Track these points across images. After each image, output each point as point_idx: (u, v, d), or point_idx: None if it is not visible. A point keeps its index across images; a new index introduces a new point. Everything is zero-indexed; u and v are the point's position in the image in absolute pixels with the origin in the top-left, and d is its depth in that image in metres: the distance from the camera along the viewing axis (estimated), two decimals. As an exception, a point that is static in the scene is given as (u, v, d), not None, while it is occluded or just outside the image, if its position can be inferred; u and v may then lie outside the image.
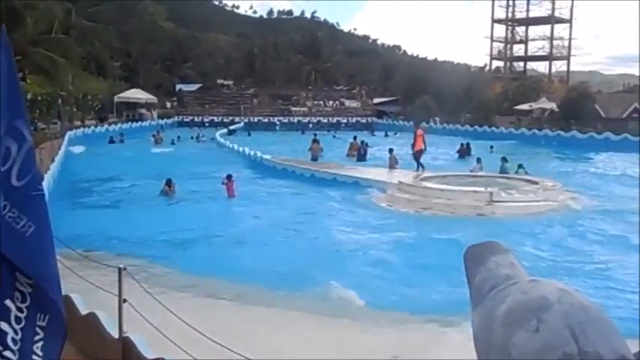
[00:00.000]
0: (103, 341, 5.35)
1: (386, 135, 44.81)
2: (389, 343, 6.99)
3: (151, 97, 57.08)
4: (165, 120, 53.96)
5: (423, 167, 21.39)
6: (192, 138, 41.11)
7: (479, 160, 23.34)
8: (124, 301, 5.36)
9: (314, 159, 26.23)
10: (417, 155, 21.66)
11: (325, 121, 57.67)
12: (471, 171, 22.09)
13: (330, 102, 63.92)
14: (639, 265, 9.46)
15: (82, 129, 39.41)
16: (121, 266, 5.53)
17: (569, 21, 72.59)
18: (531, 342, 0.60)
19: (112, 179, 21.04)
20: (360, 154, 28.43)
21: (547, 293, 0.64)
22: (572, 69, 76.70)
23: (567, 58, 73.87)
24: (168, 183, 18.07)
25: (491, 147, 32.67)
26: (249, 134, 45.00)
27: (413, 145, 22.17)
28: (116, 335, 5.24)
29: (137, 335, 5.08)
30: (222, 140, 36.42)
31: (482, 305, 0.69)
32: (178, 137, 39.36)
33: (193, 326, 4.95)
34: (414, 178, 18.78)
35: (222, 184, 17.75)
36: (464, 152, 31.37)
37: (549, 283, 0.67)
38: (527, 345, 0.60)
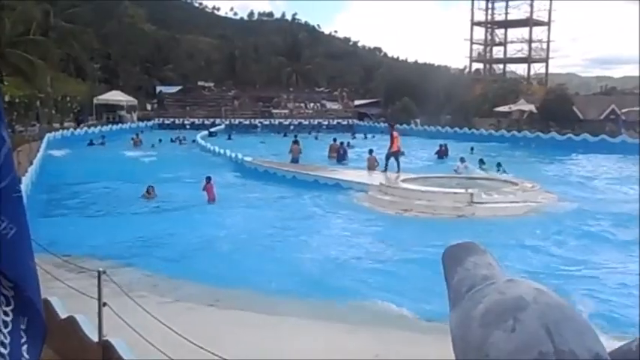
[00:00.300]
0: (83, 345, 5.30)
1: (365, 137, 44.88)
2: (369, 343, 7.01)
3: (131, 99, 56.76)
4: (145, 122, 53.68)
5: (398, 168, 21.58)
6: (171, 140, 40.88)
7: (462, 159, 23.49)
8: (104, 304, 5.33)
9: (294, 160, 26.25)
10: (394, 156, 21.82)
11: (306, 123, 57.70)
12: (455, 170, 22.22)
13: (311, 104, 63.98)
14: (639, 266, 9.54)
15: (60, 131, 39.01)
16: (100, 269, 5.49)
17: (548, 24, 73.44)
18: (508, 341, 0.61)
19: (91, 183, 20.84)
20: (340, 155, 28.57)
21: (523, 293, 0.64)
22: (550, 71, 77.62)
23: (546, 60, 74.70)
24: (149, 188, 17.90)
25: (472, 149, 32.91)
26: (230, 137, 44.68)
27: (389, 147, 22.27)
28: (96, 339, 5.20)
29: (117, 339, 5.05)
30: (203, 143, 36.28)
31: (460, 305, 0.69)
32: (160, 140, 39.14)
33: (173, 329, 4.93)
34: (395, 180, 18.89)
35: (203, 189, 17.57)
36: (442, 153, 31.63)
37: (525, 282, 0.67)
38: (504, 344, 0.61)
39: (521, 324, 0.61)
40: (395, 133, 22.44)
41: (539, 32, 74.32)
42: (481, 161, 22.62)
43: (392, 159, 21.53)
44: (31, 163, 19.49)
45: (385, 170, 21.38)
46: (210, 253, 11.72)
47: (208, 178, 17.75)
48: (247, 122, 57.71)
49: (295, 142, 28.53)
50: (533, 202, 16.19)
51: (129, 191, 18.87)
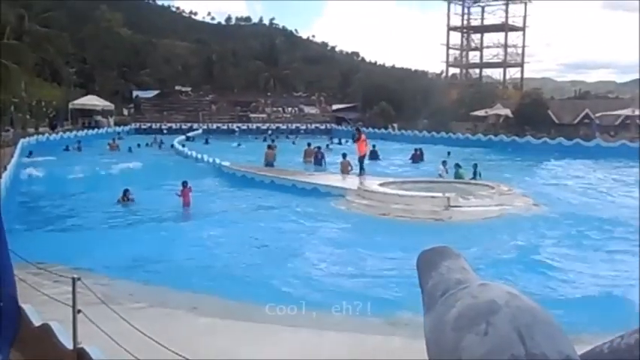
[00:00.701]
0: (57, 353, 5.24)
1: (339, 142, 44.76)
2: (343, 348, 7.02)
3: (108, 103, 56.30)
4: (122, 127, 53.29)
5: (364, 171, 21.84)
6: (147, 145, 40.68)
7: (445, 162, 23.60)
8: (79, 311, 5.28)
9: (268, 164, 26.32)
10: (361, 160, 22.11)
11: (284, 127, 57.74)
12: (440, 174, 22.44)
13: (289, 108, 64.03)
14: (639, 266, 9.63)
15: (35, 136, 38.55)
16: (75, 276, 5.44)
17: (523, 29, 74.29)
18: (480, 345, 0.61)
19: (66, 188, 20.63)
20: (317, 159, 28.69)
21: (495, 297, 0.65)
22: (525, 76, 78.62)
23: (521, 65, 75.58)
24: (125, 192, 17.83)
25: (449, 153, 33.13)
26: (207, 141, 44.49)
27: (357, 151, 22.58)
28: (71, 346, 5.15)
29: (92, 346, 5.01)
30: (180, 147, 36.12)
31: (434, 309, 0.70)
32: (138, 145, 38.92)
33: (149, 335, 4.90)
34: (363, 184, 19.05)
35: (179, 194, 17.45)
36: (417, 158, 31.79)
37: (498, 286, 0.68)
38: (477, 348, 0.61)
39: (494, 327, 0.62)
40: (363, 137, 22.72)
41: (514, 37, 75.25)
42: (457, 165, 22.84)
43: (368, 160, 21.77)
44: (5, 169, 19.22)
45: (361, 174, 21.55)
46: (186, 260, 11.65)
47: (185, 183, 17.67)
48: (225, 127, 57.61)
49: (270, 147, 28.60)
50: (509, 206, 16.34)
51: (105, 197, 18.68)
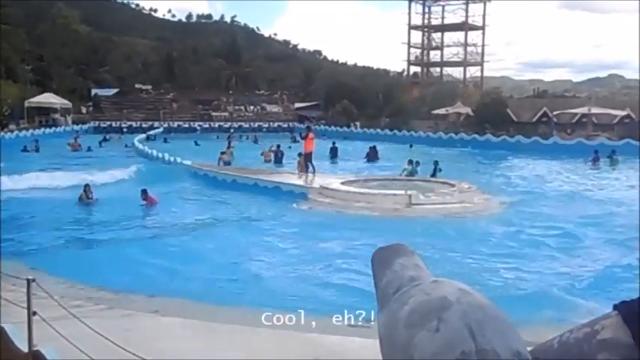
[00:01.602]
0: (12, 356, 5.12)
1: (295, 140, 44.58)
2: (308, 347, 7.01)
3: (65, 102, 55.24)
4: (80, 126, 52.34)
5: (313, 169, 22.26)
6: (100, 142, 40.68)
7: (410, 161, 23.67)
8: (34, 313, 5.16)
9: (226, 163, 26.35)
10: (308, 157, 22.48)
11: (247, 126, 57.43)
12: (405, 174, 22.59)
13: (252, 107, 63.73)
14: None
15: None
16: (30, 277, 5.32)
17: (482, 28, 75.32)
18: (432, 342, 0.62)
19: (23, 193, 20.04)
20: (277, 157, 28.81)
21: (447, 293, 0.65)
22: (485, 74, 79.73)
23: (481, 63, 76.64)
24: (85, 188, 17.48)
25: (411, 145, 33.90)
26: (166, 140, 43.79)
27: (304, 148, 23.06)
28: (26, 349, 5.03)
29: (48, 348, 4.90)
30: (141, 146, 35.63)
31: (387, 307, 0.70)
32: (100, 143, 38.34)
33: (107, 337, 4.82)
34: (310, 181, 19.64)
35: (143, 199, 17.09)
36: (372, 156, 32.00)
37: (450, 283, 0.68)
38: (428, 345, 0.62)
39: (445, 324, 0.63)
40: (310, 135, 23.02)
41: (474, 36, 76.26)
42: (410, 162, 23.25)
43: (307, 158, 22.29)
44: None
45: (312, 171, 22.00)
46: (149, 261, 11.47)
47: (144, 191, 17.14)
48: (186, 125, 57.05)
49: (223, 152, 28.70)
50: (469, 203, 16.56)
51: (65, 196, 18.27)
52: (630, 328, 0.72)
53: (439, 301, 0.65)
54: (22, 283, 5.64)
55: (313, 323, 7.76)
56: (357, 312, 7.64)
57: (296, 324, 7.61)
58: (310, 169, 22.13)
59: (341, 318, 7.67)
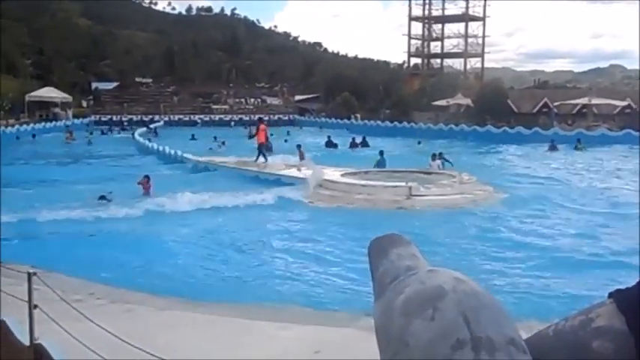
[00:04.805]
0: (14, 349, 5.16)
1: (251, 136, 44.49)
2: (308, 341, 7.05)
3: (66, 95, 55.26)
4: (81, 119, 52.40)
5: (265, 158, 22.95)
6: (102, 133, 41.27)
7: (434, 155, 22.54)
8: (35, 307, 5.19)
9: None
10: (260, 147, 23.30)
11: (247, 118, 57.42)
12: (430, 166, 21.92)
13: (252, 99, 63.73)
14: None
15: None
16: (31, 271, 5.35)
17: (483, 19, 75.13)
18: (427, 330, 0.63)
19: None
20: (267, 148, 29.41)
21: (442, 282, 0.66)
22: (486, 65, 79.53)
23: (481, 55, 76.45)
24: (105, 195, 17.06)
25: (419, 142, 34.02)
26: (156, 132, 43.91)
27: (257, 138, 23.83)
28: (27, 342, 5.06)
29: (50, 341, 4.93)
30: (141, 140, 35.74)
31: (384, 296, 0.70)
32: (102, 131, 38.43)
33: (108, 329, 4.85)
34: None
35: (138, 183, 17.26)
36: (355, 147, 32.42)
37: (446, 272, 0.69)
38: (423, 333, 0.63)
39: (440, 312, 0.63)
40: (262, 126, 24.06)
41: (474, 27, 76.05)
42: (381, 152, 23.38)
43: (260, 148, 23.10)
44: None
45: (265, 161, 22.71)
46: (148, 256, 11.45)
47: (147, 177, 17.42)
48: (187, 118, 57.05)
49: (221, 143, 28.88)
50: (470, 195, 16.57)
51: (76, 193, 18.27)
52: (625, 315, 0.73)
53: (434, 290, 0.65)
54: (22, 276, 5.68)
55: (314, 316, 7.81)
56: (357, 304, 7.69)
57: (297, 317, 7.66)
58: (262, 159, 22.88)
59: (341, 311, 7.72)
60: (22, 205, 15.03)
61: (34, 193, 18.08)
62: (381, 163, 22.37)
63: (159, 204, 15.58)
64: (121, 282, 9.44)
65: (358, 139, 33.52)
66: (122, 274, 9.91)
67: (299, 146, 25.07)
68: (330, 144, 32.99)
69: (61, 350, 4.92)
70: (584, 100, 44.76)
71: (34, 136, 36.28)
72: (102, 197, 16.52)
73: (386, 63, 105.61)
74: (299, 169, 20.15)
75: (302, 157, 23.45)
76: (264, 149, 23.49)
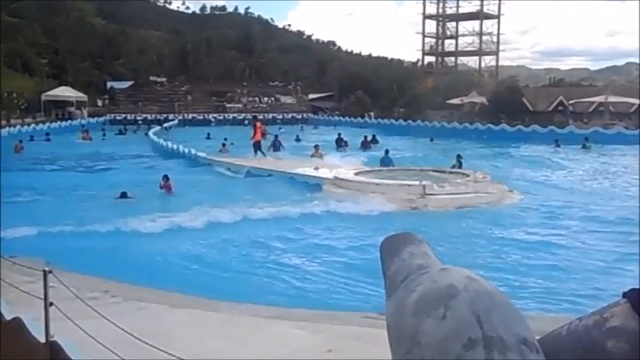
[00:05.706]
0: (29, 346, 5.19)
1: (301, 129, 46.22)
2: (322, 339, 7.05)
3: (81, 95, 55.66)
4: (96, 118, 52.75)
5: (264, 154, 24.09)
6: (120, 132, 42.73)
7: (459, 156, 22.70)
8: (51, 304, 5.23)
9: None
10: (257, 145, 24.40)
11: (261, 117, 57.33)
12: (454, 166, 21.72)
13: (265, 98, 63.71)
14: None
15: (7, 128, 38.09)
16: (46, 269, 5.38)
17: (497, 17, 74.76)
18: (439, 329, 0.63)
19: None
20: (275, 146, 29.70)
21: (454, 281, 0.66)
22: (500, 64, 79.14)
23: (496, 53, 76.09)
24: (124, 194, 16.91)
25: (432, 139, 33.93)
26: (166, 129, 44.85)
27: (253, 137, 24.76)
28: (43, 340, 5.10)
29: (65, 338, 4.96)
30: (156, 138, 35.90)
31: (395, 295, 0.71)
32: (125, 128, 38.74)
33: (124, 328, 4.88)
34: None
35: (160, 187, 17.28)
36: (367, 145, 32.39)
37: (458, 271, 0.69)
38: (435, 332, 0.63)
39: (452, 311, 0.63)
40: (258, 124, 24.84)
41: (489, 25, 75.80)
42: (387, 151, 23.61)
43: (274, 146, 24.98)
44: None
45: (256, 155, 23.91)
46: (168, 256, 11.48)
47: (166, 177, 17.48)
48: (201, 117, 57.24)
49: (224, 144, 28.98)
50: (484, 193, 16.50)
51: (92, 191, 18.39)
52: (639, 315, 0.72)
53: (446, 289, 0.65)
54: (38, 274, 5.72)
55: (326, 315, 7.80)
56: (370, 304, 7.67)
57: (309, 315, 7.65)
58: (259, 154, 23.95)
59: (354, 310, 7.71)
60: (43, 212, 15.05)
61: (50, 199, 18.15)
62: (385, 161, 22.33)
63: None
64: (136, 279, 9.49)
65: (369, 138, 33.44)
66: (140, 274, 9.95)
67: (317, 146, 25.17)
68: (340, 142, 32.97)
69: (76, 348, 4.95)
70: (600, 99, 44.40)
71: (47, 134, 36.77)
72: (123, 195, 16.63)
73: (400, 61, 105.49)
74: (316, 169, 20.19)
75: (320, 156, 23.73)
76: (259, 147, 24.59)
